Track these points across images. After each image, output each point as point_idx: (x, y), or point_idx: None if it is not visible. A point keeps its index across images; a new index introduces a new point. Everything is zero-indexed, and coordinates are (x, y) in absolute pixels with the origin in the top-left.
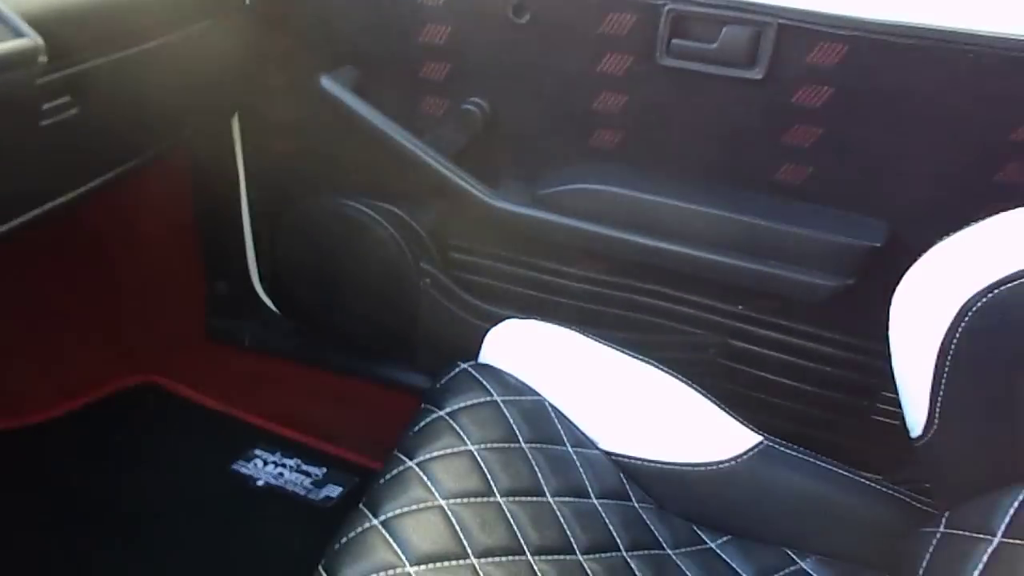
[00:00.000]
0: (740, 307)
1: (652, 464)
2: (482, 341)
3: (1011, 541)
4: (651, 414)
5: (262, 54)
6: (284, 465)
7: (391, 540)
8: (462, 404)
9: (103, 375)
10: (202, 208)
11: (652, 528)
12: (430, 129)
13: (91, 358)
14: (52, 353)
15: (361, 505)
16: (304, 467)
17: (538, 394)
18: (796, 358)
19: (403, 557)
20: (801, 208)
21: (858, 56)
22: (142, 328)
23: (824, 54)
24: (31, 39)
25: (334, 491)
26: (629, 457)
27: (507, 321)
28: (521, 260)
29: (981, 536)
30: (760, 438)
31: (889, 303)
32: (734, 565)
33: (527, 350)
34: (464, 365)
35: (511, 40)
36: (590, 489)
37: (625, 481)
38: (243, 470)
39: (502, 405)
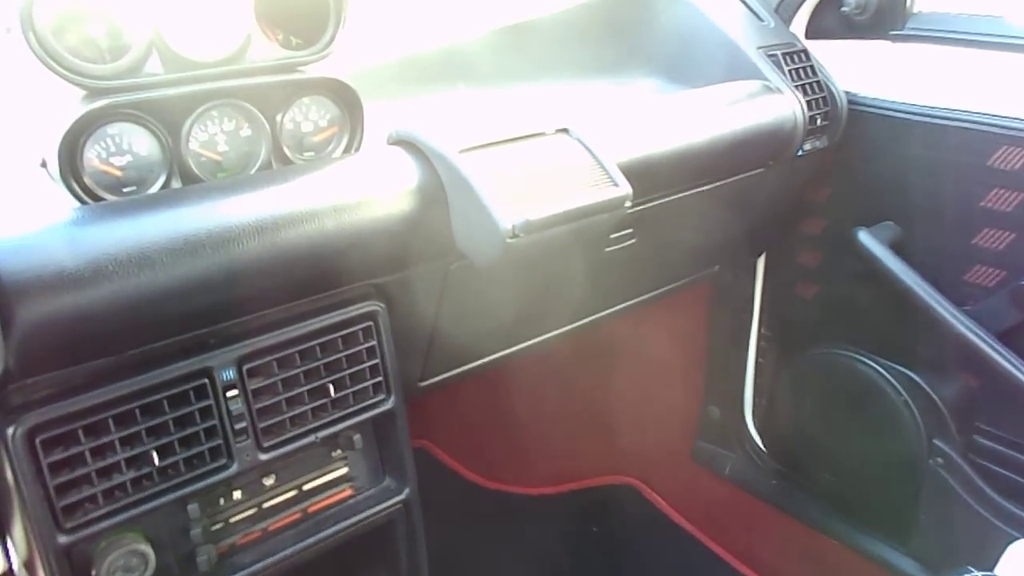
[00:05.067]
0: None
1: None
2: (1002, 549)
3: None
4: None
5: (801, 202)
6: None
7: None
8: None
9: (592, 470)
10: (714, 336)
11: None
12: (975, 299)
13: (585, 452)
14: (556, 441)
15: None
16: None
17: None
18: None
19: None
20: None
21: None
22: (635, 435)
23: None
24: (624, 189)
25: None
26: None
27: None
28: None
29: None
30: None
31: None
32: None
33: None
34: (977, 574)
35: None
36: None
37: None
38: None
39: None
